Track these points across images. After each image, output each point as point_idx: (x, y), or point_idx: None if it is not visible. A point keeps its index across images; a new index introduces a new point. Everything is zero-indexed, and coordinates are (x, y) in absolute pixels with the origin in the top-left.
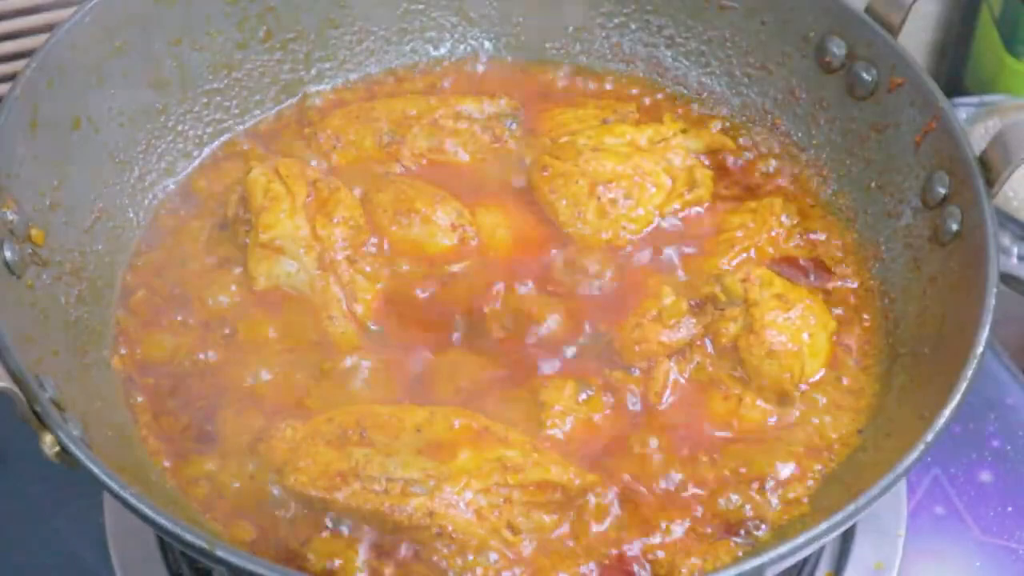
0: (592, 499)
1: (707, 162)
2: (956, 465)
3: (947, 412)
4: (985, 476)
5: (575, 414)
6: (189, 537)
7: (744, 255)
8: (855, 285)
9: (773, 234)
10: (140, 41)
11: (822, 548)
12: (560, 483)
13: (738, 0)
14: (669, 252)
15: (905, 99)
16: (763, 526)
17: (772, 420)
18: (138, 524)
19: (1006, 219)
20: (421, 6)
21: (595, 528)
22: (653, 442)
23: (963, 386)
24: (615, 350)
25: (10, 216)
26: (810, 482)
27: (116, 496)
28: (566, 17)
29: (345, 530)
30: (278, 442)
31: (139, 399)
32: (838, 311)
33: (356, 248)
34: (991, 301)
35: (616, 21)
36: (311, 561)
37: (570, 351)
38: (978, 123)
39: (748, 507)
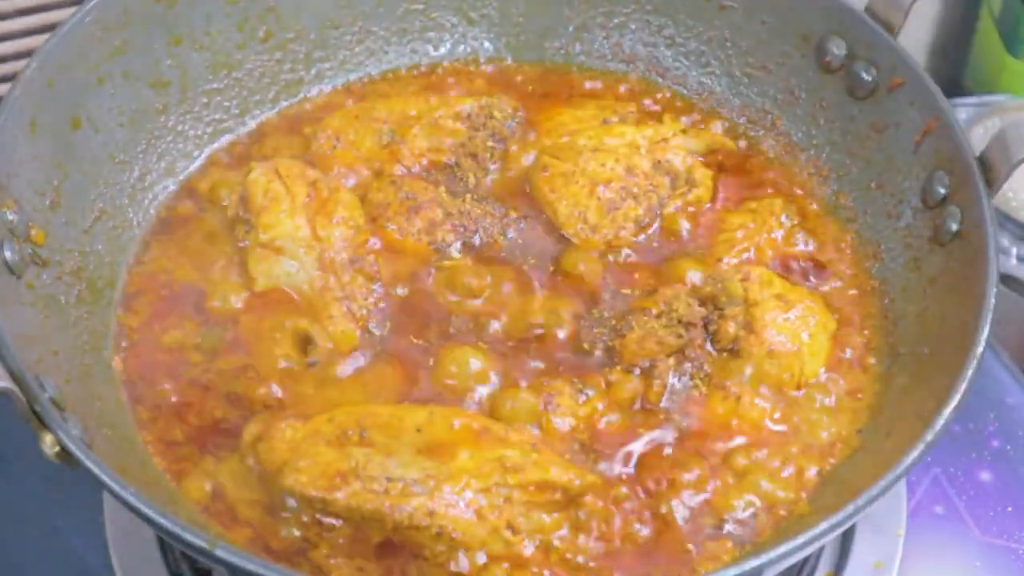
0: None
1: (706, 162)
2: (956, 465)
3: (947, 412)
4: (985, 476)
5: (575, 414)
6: (189, 537)
7: (744, 255)
8: (855, 285)
9: (773, 234)
10: (140, 41)
11: (822, 548)
12: (560, 483)
13: (738, 0)
14: (669, 252)
15: (905, 99)
16: (763, 526)
17: (771, 420)
18: (138, 524)
19: (1006, 219)
20: (421, 6)
21: (594, 527)
22: (652, 442)
23: (963, 386)
24: (615, 350)
25: (10, 216)
26: (810, 482)
27: (116, 496)
28: (566, 17)
29: (344, 530)
30: (278, 442)
31: (139, 399)
32: (838, 311)
33: (356, 248)
34: (991, 301)
35: (616, 21)
36: (310, 561)
37: (570, 351)
38: (978, 123)
39: (747, 507)
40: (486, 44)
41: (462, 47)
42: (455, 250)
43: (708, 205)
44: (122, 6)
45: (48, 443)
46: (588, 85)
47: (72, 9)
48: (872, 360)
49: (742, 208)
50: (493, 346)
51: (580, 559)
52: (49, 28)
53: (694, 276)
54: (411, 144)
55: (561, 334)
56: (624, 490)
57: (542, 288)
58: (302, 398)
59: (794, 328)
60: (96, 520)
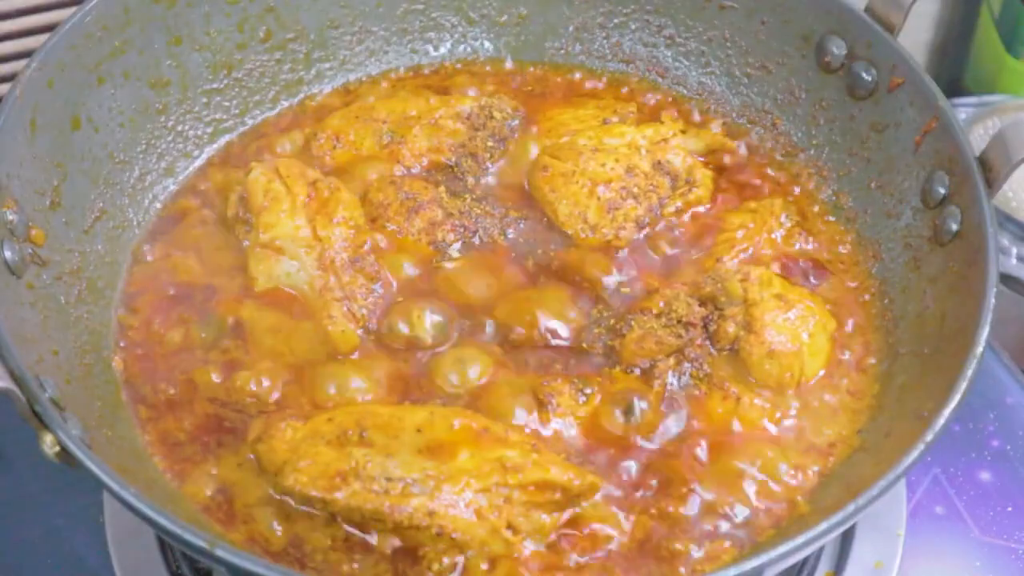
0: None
1: (706, 162)
2: (956, 465)
3: (947, 412)
4: (985, 476)
5: (575, 414)
6: (189, 537)
7: (744, 255)
8: (855, 285)
9: (773, 234)
10: (140, 41)
11: (822, 548)
12: (560, 483)
13: (738, 0)
14: (669, 252)
15: (905, 99)
16: (762, 526)
17: (771, 420)
18: (138, 524)
19: (1006, 219)
20: (421, 6)
21: (595, 527)
22: (652, 442)
23: (963, 386)
24: (615, 350)
25: (10, 216)
26: (810, 482)
27: (116, 496)
28: (566, 17)
29: (344, 529)
30: (278, 442)
31: (139, 399)
32: (838, 311)
33: (356, 248)
34: (991, 301)
35: (616, 21)
36: (311, 561)
37: (570, 351)
38: (978, 123)
39: (747, 507)
40: (486, 44)
41: (462, 47)
42: (455, 250)
43: (708, 205)
44: (122, 6)
45: (48, 443)
46: (588, 85)
47: (72, 9)
48: (872, 360)
49: (742, 208)
50: (493, 346)
51: (580, 559)
52: (49, 28)
53: (694, 276)
54: (411, 144)
55: (561, 334)
56: (623, 490)
57: (542, 289)
58: (302, 398)
59: (794, 328)
60: (96, 520)
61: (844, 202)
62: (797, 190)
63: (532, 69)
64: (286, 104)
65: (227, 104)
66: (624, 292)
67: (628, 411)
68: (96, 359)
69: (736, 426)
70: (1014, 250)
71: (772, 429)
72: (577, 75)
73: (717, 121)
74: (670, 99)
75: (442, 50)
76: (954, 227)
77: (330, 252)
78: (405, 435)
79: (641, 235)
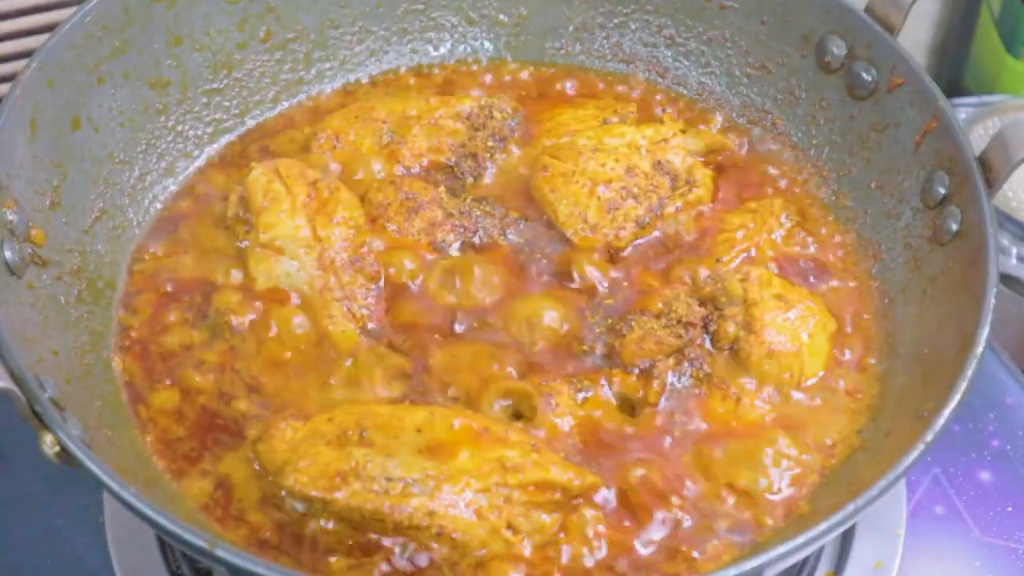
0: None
1: (706, 162)
2: (956, 465)
3: (947, 412)
4: (985, 476)
5: (574, 414)
6: (189, 537)
7: (744, 255)
8: (855, 285)
9: (773, 234)
10: (140, 41)
11: (822, 548)
12: (560, 483)
13: (738, 0)
14: (669, 252)
15: (905, 99)
16: (762, 526)
17: (771, 420)
18: (138, 524)
19: (1006, 219)
20: (421, 6)
21: (595, 527)
22: (652, 442)
23: (963, 386)
24: (615, 350)
25: (10, 216)
26: (810, 482)
27: (116, 496)
28: (566, 17)
29: (344, 530)
30: (278, 442)
31: (139, 399)
32: (838, 311)
33: (356, 248)
34: (991, 301)
35: (616, 21)
36: (311, 561)
37: (570, 351)
38: (978, 123)
39: (747, 507)
40: (486, 44)
41: (462, 47)
42: (455, 250)
43: (708, 205)
44: (122, 6)
45: (48, 443)
46: (588, 85)
47: (72, 9)
48: (872, 360)
49: (742, 208)
50: (492, 346)
51: (580, 560)
52: (49, 28)
53: (694, 276)
54: (411, 144)
55: (561, 334)
56: (623, 490)
57: (542, 288)
58: (302, 398)
59: (794, 328)
60: (96, 520)
61: (844, 202)
62: (797, 190)
63: (532, 69)
64: (286, 104)
65: (227, 104)
66: (624, 292)
67: None
68: (96, 359)
69: (735, 426)
70: (1014, 250)
71: (772, 429)
72: (577, 75)
73: (717, 121)
74: (670, 99)
75: (442, 50)
76: (954, 227)
77: (330, 252)
78: (405, 435)
79: (641, 235)
